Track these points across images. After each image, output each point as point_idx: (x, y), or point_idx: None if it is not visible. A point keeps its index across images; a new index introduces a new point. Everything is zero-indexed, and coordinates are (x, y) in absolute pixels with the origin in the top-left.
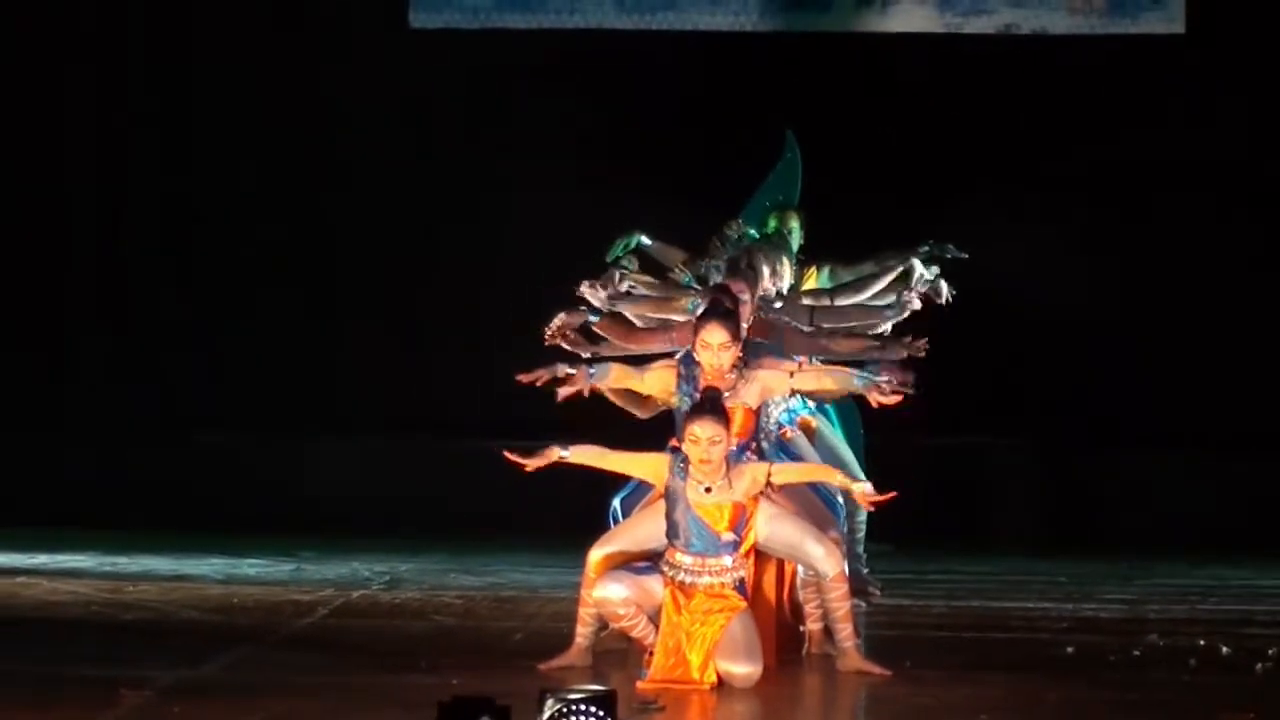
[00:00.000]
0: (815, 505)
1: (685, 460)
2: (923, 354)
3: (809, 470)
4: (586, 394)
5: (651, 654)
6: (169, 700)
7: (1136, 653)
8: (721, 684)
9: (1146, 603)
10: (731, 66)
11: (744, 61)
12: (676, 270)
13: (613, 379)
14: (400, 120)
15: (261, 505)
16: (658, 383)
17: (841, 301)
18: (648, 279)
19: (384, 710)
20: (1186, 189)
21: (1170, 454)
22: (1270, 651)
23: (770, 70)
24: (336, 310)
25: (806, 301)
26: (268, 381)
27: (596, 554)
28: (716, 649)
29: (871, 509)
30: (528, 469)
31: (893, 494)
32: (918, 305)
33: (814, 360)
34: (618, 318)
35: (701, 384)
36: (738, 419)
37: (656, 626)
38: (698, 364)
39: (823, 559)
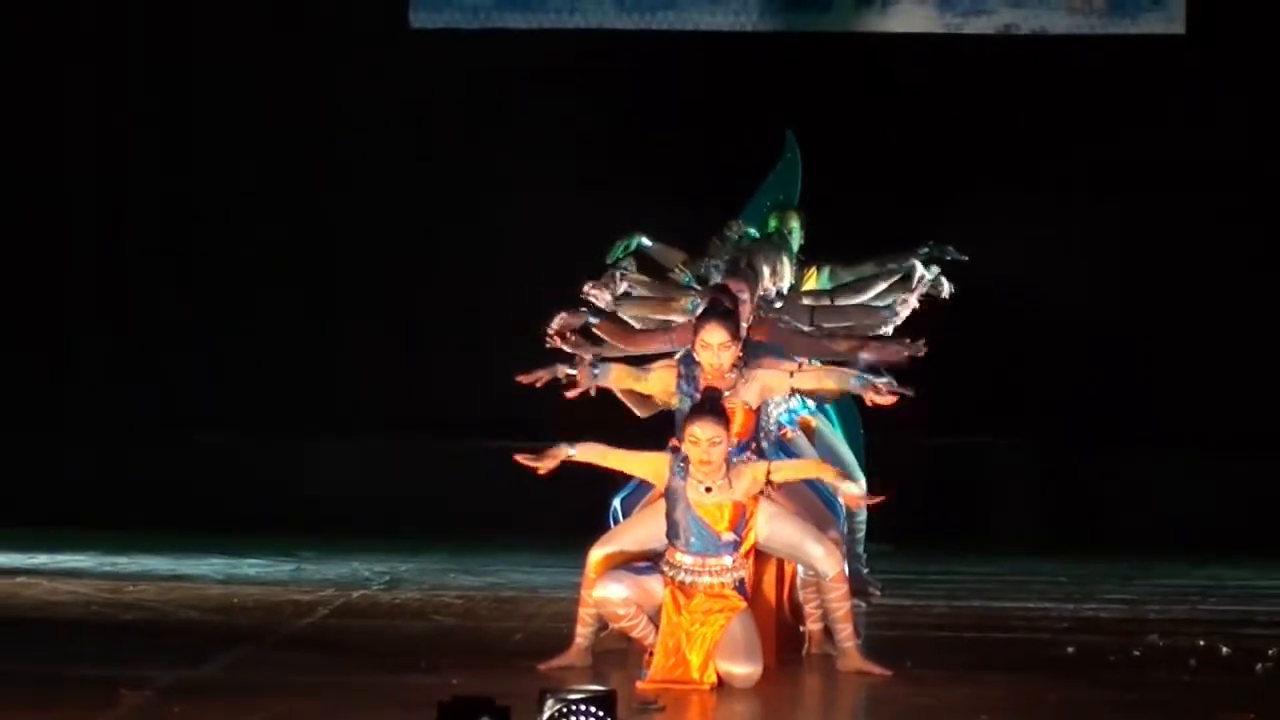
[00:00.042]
0: (815, 505)
1: (685, 460)
2: (922, 354)
3: (806, 466)
4: (594, 393)
5: (651, 654)
6: (169, 700)
7: (1136, 653)
8: (721, 684)
9: (1146, 603)
10: (731, 66)
11: (744, 61)
12: (676, 270)
13: (614, 379)
14: (400, 120)
15: (261, 505)
16: (659, 383)
17: (842, 302)
18: (645, 279)
19: (384, 710)
20: (1186, 189)
21: (1170, 454)
22: (1270, 651)
23: (770, 70)
24: (336, 310)
25: (807, 301)
26: (268, 381)
27: (596, 554)
28: (716, 649)
29: (857, 509)
30: (540, 472)
31: (882, 497)
32: (915, 304)
33: (813, 360)
34: (617, 320)
35: (701, 384)
36: (738, 418)
37: (656, 626)
38: (698, 364)
39: (823, 559)
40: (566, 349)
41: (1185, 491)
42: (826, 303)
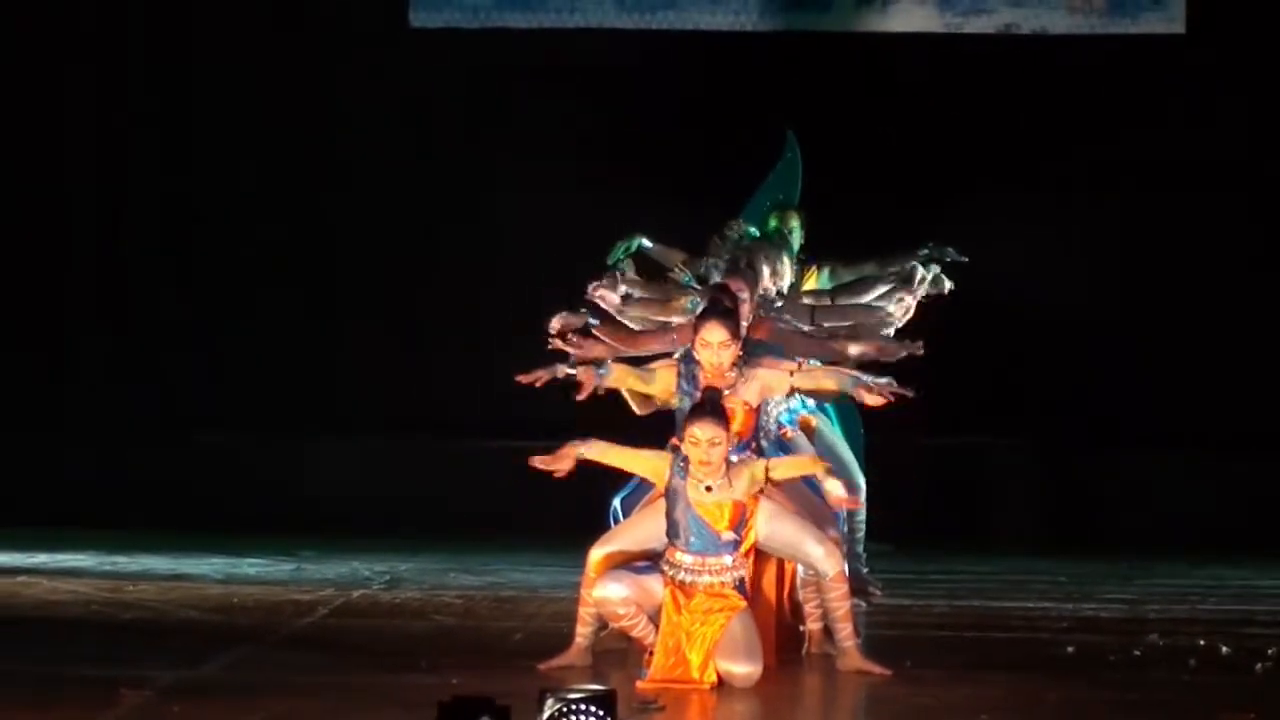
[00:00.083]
0: (815, 504)
1: (686, 460)
2: (920, 353)
3: (803, 462)
4: (602, 393)
5: (651, 654)
6: (169, 700)
7: (1137, 653)
8: (721, 684)
9: (1146, 603)
10: (731, 66)
11: (744, 61)
12: (677, 270)
13: (617, 379)
14: (400, 120)
15: (261, 505)
16: (661, 382)
17: (843, 302)
18: (643, 281)
19: (384, 710)
20: (1186, 189)
21: (1170, 454)
22: (1270, 651)
23: (770, 70)
24: (336, 310)
25: (807, 301)
26: (268, 381)
27: (597, 554)
28: (716, 649)
29: (840, 509)
30: (557, 475)
31: (860, 504)
32: (912, 304)
33: (813, 360)
34: (617, 321)
35: (702, 383)
36: (738, 417)
37: (656, 626)
38: (698, 363)
39: (823, 559)
40: (569, 350)
41: (1185, 491)
42: (827, 303)
